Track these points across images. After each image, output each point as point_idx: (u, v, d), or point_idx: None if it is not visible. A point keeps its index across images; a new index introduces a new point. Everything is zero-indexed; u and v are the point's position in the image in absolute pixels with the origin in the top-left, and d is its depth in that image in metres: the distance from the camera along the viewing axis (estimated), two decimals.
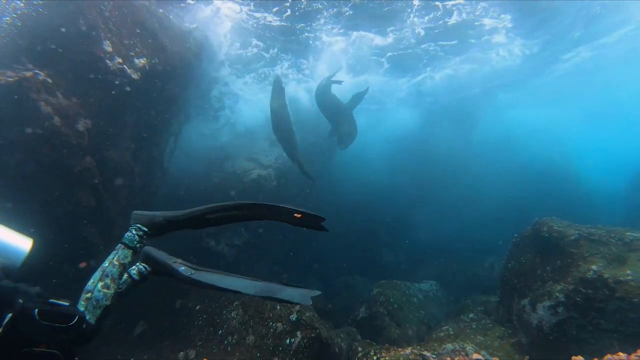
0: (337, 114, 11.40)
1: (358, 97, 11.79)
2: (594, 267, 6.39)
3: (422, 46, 14.71)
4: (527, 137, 25.72)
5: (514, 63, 17.12)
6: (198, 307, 7.77)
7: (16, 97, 6.34)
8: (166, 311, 8.06)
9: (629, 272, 6.28)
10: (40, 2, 7.01)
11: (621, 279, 6.17)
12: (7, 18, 6.81)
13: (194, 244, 10.57)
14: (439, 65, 16.99)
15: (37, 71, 6.81)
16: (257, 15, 11.61)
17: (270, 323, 7.03)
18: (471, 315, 9.07)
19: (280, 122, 9.87)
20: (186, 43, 10.45)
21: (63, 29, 7.21)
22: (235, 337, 7.07)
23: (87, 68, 7.51)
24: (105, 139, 7.86)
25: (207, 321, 7.53)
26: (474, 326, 8.32)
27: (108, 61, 7.74)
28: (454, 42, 14.52)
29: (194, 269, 2.83)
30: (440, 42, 14.55)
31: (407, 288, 11.17)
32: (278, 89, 10.14)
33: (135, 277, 2.91)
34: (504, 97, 22.55)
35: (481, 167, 20.43)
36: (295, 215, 2.68)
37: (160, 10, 10.03)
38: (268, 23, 11.96)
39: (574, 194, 18.21)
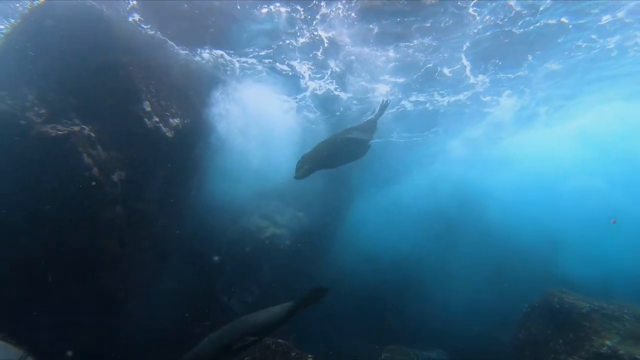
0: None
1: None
2: (608, 342, 6.45)
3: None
4: None
5: None
6: None
7: (65, 148, 6.88)
8: None
9: None
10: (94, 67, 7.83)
11: (637, 357, 6.20)
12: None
13: (209, 298, 10.66)
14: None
15: (83, 126, 7.42)
16: None
17: None
18: None
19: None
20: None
21: (110, 90, 7.96)
22: None
23: (127, 125, 8.14)
24: (136, 190, 8.30)
25: None
26: None
27: (146, 120, 8.38)
28: None
29: None
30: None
31: (416, 356, 10.97)
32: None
33: None
34: None
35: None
36: None
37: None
38: None
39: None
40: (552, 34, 10.98)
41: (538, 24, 10.32)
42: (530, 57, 12.40)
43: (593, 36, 11.45)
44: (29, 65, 7.23)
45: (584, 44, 11.88)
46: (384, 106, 8.86)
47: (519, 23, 10.22)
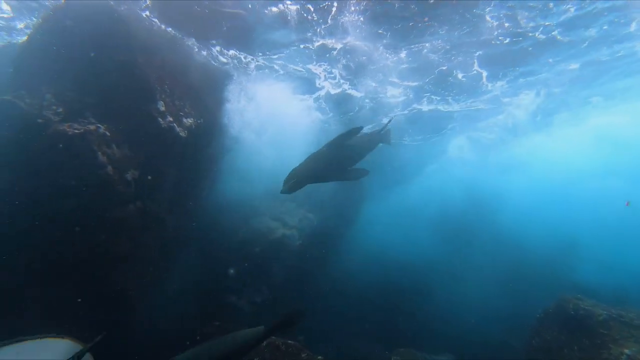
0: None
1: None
2: (626, 350, 6.30)
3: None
4: None
5: None
6: None
7: (80, 146, 6.95)
8: None
9: None
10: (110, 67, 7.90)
11: None
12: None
13: (215, 299, 10.68)
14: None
15: (98, 125, 7.48)
16: None
17: None
18: None
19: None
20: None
21: (125, 90, 8.03)
22: None
23: (141, 124, 8.18)
24: (148, 189, 8.34)
25: None
26: None
27: (160, 119, 8.42)
28: None
29: None
30: None
31: None
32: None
33: None
34: None
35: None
36: None
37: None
38: None
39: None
40: (573, 40, 10.90)
41: (560, 30, 10.23)
42: (550, 60, 12.28)
43: (616, 46, 11.39)
44: (49, 64, 7.32)
45: (608, 50, 11.79)
46: (388, 122, 8.77)
47: (540, 29, 10.15)
